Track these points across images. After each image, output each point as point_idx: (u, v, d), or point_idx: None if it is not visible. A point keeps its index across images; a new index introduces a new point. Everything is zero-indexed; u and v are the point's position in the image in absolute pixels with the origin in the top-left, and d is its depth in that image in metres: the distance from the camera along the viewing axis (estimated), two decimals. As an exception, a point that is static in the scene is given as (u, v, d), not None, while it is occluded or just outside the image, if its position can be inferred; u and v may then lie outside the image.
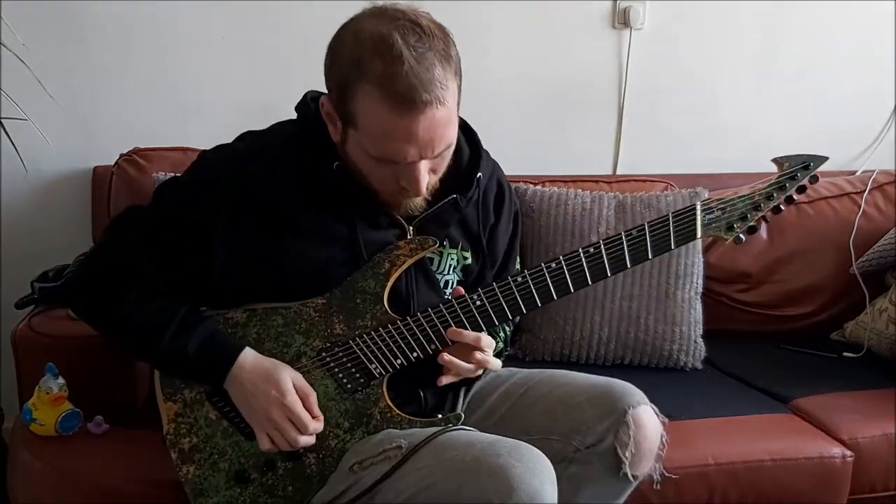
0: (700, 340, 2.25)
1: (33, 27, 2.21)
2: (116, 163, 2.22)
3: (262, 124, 2.34)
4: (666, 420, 1.52)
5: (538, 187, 2.30)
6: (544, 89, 2.58)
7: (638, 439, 1.46)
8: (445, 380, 1.47)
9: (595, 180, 2.43)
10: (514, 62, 2.54)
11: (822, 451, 1.90)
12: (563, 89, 2.60)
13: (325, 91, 1.41)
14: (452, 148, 1.40)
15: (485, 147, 1.57)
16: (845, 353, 2.39)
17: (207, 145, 2.21)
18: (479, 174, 1.53)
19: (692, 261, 2.24)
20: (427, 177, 1.38)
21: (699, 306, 2.26)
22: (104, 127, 2.33)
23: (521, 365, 2.16)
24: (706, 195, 2.28)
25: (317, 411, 1.43)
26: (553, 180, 2.37)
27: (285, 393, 1.40)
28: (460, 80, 1.37)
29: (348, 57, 1.32)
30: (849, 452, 1.91)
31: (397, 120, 1.30)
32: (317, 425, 1.43)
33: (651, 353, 2.23)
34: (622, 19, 2.57)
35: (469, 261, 1.58)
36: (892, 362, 2.32)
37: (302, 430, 1.40)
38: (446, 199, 1.48)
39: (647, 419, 1.48)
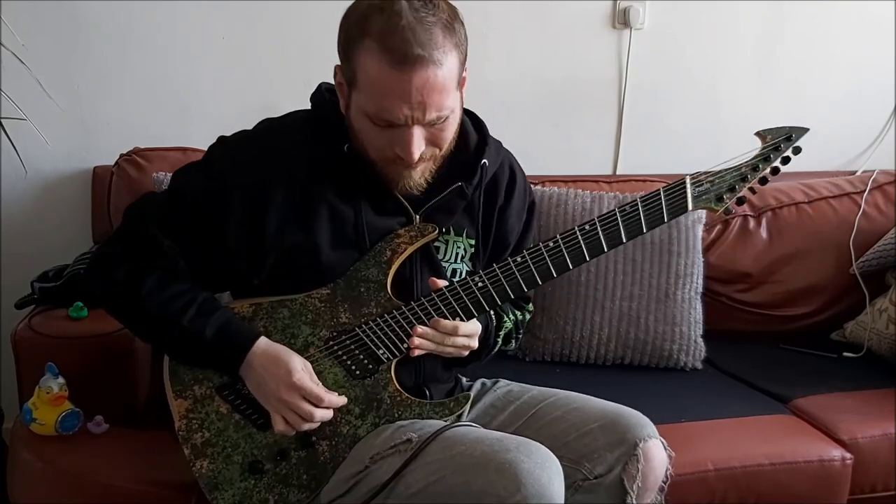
0: (700, 340, 2.25)
1: (33, 27, 2.21)
2: (116, 163, 2.22)
3: (262, 124, 2.35)
4: (673, 454, 1.51)
5: (538, 187, 2.29)
6: (544, 89, 2.59)
7: (645, 472, 1.46)
8: (418, 351, 1.47)
9: (595, 180, 2.43)
10: (514, 62, 2.54)
11: (822, 455, 1.89)
12: (563, 89, 2.60)
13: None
14: (450, 121, 1.41)
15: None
16: (845, 353, 2.39)
17: (207, 145, 2.24)
18: (484, 160, 1.53)
19: (692, 261, 2.24)
20: (421, 145, 1.39)
21: (699, 306, 2.26)
22: (104, 127, 2.33)
23: (521, 365, 2.18)
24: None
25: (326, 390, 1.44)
26: (553, 180, 2.37)
27: (292, 371, 1.41)
28: (463, 57, 1.39)
29: (355, 16, 1.36)
30: (848, 455, 1.91)
31: (391, 75, 1.32)
32: (331, 397, 1.43)
33: (651, 353, 2.22)
34: (622, 19, 2.57)
35: (474, 249, 1.59)
36: (892, 362, 2.32)
37: (316, 402, 1.41)
38: (452, 187, 1.50)
39: (656, 453, 1.48)
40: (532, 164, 2.48)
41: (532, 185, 2.28)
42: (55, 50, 2.25)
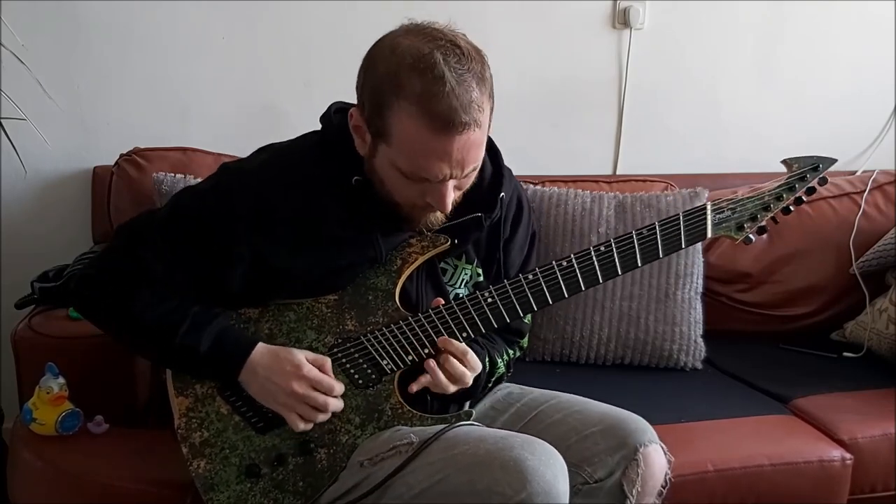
0: (700, 340, 2.25)
1: (33, 27, 2.21)
2: (116, 163, 2.22)
3: (262, 124, 2.36)
4: (672, 459, 1.52)
5: (538, 187, 2.29)
6: (544, 89, 2.59)
7: (644, 477, 1.46)
8: (416, 386, 1.47)
9: (595, 180, 2.43)
10: (514, 62, 2.54)
11: (822, 455, 1.89)
12: (563, 89, 2.60)
13: (349, 102, 1.42)
14: (479, 167, 1.41)
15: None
16: (845, 353, 2.38)
17: (207, 145, 2.25)
18: (503, 194, 1.53)
19: (692, 261, 2.24)
20: (453, 195, 1.39)
21: (699, 306, 2.26)
22: (104, 127, 2.33)
23: (521, 365, 2.17)
24: (706, 195, 2.28)
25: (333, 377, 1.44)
26: (553, 180, 2.37)
27: (300, 365, 1.41)
28: (493, 102, 1.38)
29: (385, 73, 1.32)
30: (848, 455, 1.91)
31: (434, 139, 1.31)
32: (340, 386, 1.44)
33: (651, 353, 2.22)
34: (622, 19, 2.57)
35: (482, 278, 1.59)
36: (892, 362, 2.32)
37: (328, 392, 1.42)
38: (469, 216, 1.50)
39: (656, 458, 1.48)
40: (532, 164, 2.49)
41: (532, 185, 2.30)
42: (55, 50, 2.25)
